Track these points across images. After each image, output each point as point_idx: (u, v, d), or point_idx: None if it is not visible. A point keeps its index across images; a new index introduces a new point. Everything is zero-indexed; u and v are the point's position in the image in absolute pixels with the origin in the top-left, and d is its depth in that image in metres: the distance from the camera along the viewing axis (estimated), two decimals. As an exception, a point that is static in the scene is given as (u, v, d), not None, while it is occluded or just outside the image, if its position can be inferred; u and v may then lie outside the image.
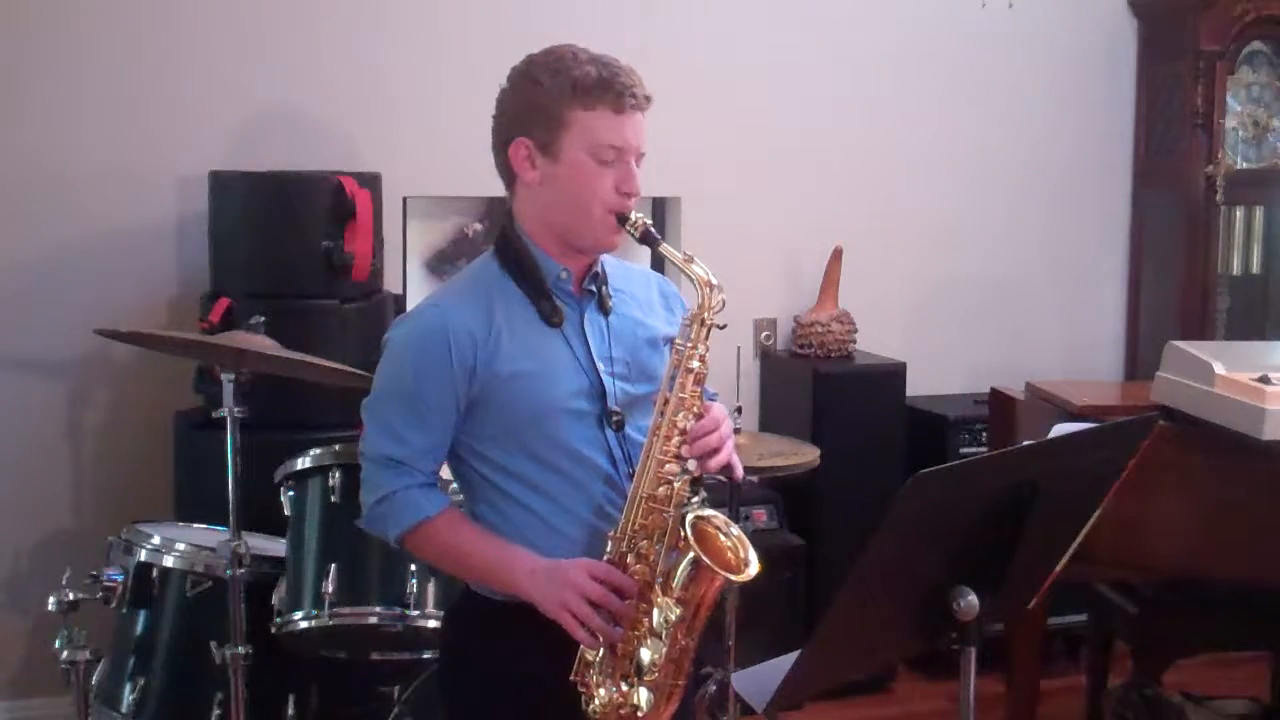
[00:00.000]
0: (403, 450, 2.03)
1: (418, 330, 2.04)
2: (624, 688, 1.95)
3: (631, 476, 2.02)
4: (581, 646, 1.96)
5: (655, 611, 1.95)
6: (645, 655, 1.95)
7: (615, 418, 2.05)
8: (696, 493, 2.01)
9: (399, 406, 2.03)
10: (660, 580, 1.96)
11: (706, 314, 2.01)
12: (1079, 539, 2.07)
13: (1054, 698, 3.79)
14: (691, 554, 1.93)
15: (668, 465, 1.98)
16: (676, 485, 1.98)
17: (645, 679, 1.95)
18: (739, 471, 2.09)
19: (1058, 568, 2.09)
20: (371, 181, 3.62)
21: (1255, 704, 3.63)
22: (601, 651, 1.96)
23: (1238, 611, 3.28)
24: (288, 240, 3.50)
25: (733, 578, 1.94)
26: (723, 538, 1.99)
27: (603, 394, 2.05)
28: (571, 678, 1.97)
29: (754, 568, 1.95)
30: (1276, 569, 2.99)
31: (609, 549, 1.98)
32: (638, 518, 1.97)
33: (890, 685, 4.15)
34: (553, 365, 2.04)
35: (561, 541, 2.02)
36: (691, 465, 1.99)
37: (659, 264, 3.21)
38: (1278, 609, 3.20)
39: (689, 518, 1.95)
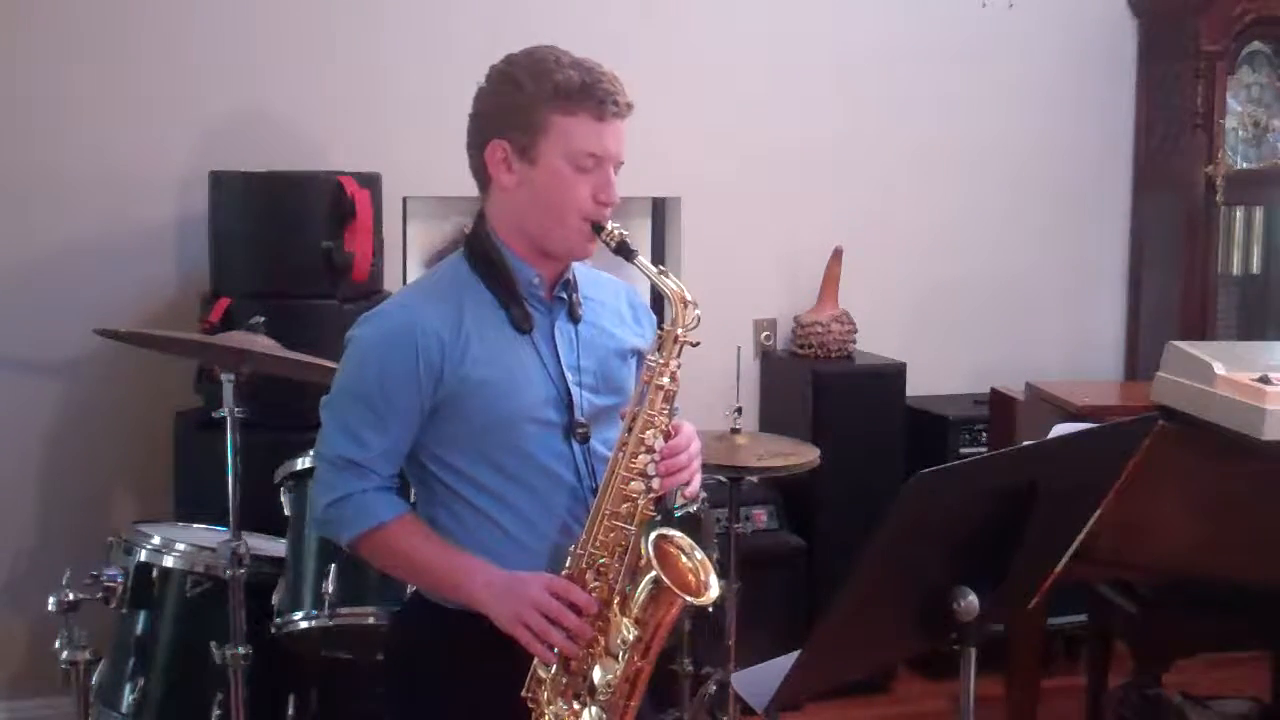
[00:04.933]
0: (361, 453, 1.99)
1: (384, 330, 1.99)
2: (575, 706, 1.92)
3: (595, 491, 1.98)
4: (534, 662, 1.92)
5: (612, 631, 1.91)
6: (599, 675, 1.90)
7: (580, 430, 2.01)
8: (661, 511, 1.96)
9: (360, 408, 1.98)
10: (619, 599, 1.92)
11: (680, 330, 1.96)
12: (1079, 539, 2.07)
13: (1054, 698, 3.78)
14: (652, 574, 1.89)
15: (632, 483, 1.94)
16: (640, 503, 1.93)
17: (597, 698, 1.91)
18: (693, 489, 2.04)
19: (1058, 568, 2.09)
20: (371, 181, 3.62)
21: (1255, 704, 3.63)
22: (554, 668, 1.91)
23: (1238, 611, 3.28)
24: (288, 240, 3.50)
25: (692, 600, 1.90)
26: (684, 559, 1.96)
27: (570, 404, 2.01)
28: (522, 694, 1.93)
29: (714, 591, 1.93)
30: (1276, 569, 2.99)
31: (569, 564, 1.94)
32: (599, 534, 1.93)
33: (890, 685, 4.15)
34: (520, 373, 1.99)
35: (522, 553, 1.98)
36: (656, 484, 1.94)
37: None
38: (1278, 609, 3.20)
39: (651, 537, 1.91)
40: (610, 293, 2.17)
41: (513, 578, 1.93)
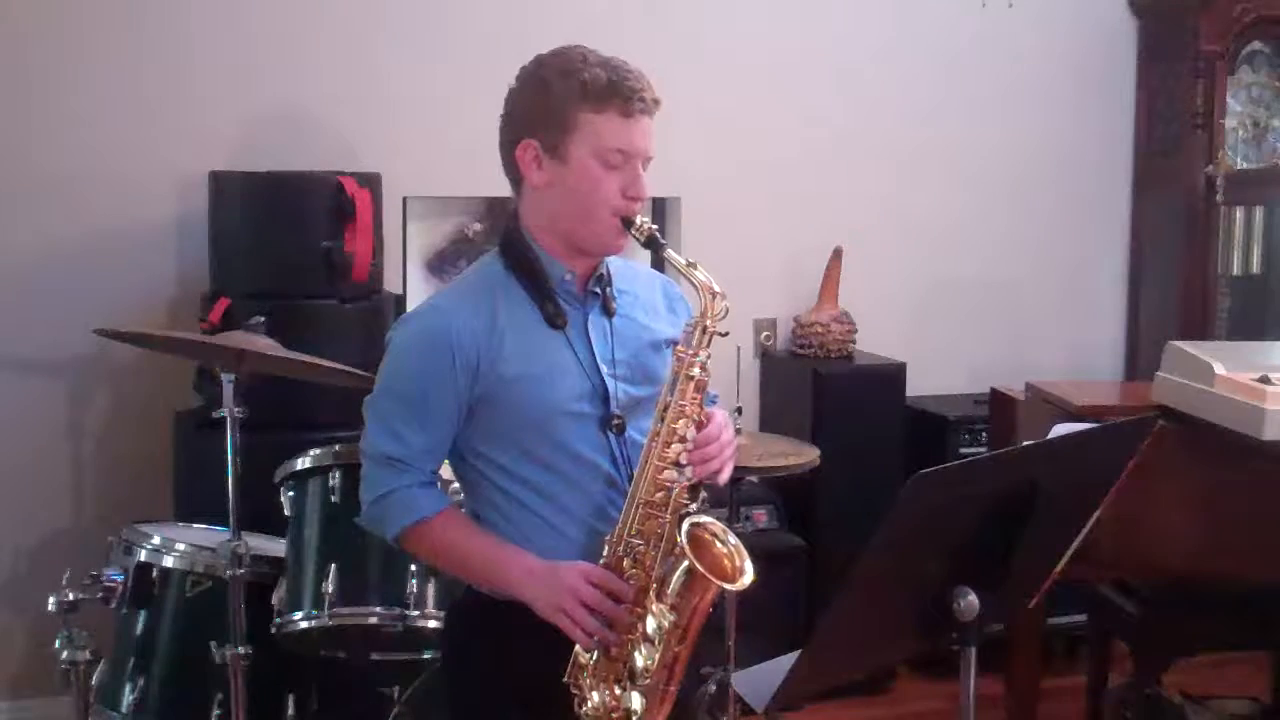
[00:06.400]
0: (402, 450, 2.04)
1: (420, 331, 2.05)
2: (617, 691, 1.96)
3: (632, 480, 2.01)
4: (575, 648, 1.96)
5: (649, 617, 1.94)
6: (639, 660, 1.95)
7: (616, 421, 2.05)
8: (695, 499, 2.00)
9: (400, 406, 2.04)
10: (655, 586, 1.96)
11: (709, 321, 2.01)
12: (1079, 539, 2.07)
13: (1054, 698, 3.78)
14: (687, 562, 1.93)
15: (666, 472, 1.98)
16: (674, 491, 1.97)
17: (638, 683, 1.95)
18: (723, 478, 2.08)
19: (1058, 568, 2.09)
20: (371, 181, 3.62)
21: (1255, 704, 3.63)
22: (595, 655, 1.96)
23: (1238, 611, 3.28)
24: (288, 240, 3.50)
25: (727, 586, 1.93)
26: (719, 545, 1.99)
27: (605, 397, 2.05)
28: (565, 680, 1.98)
29: (749, 577, 1.95)
30: (1276, 569, 2.99)
31: (605, 553, 1.99)
32: (634, 523, 1.98)
33: (890, 685, 4.15)
34: (555, 368, 2.03)
35: (563, 543, 2.03)
36: (689, 473, 1.98)
37: (661, 266, 3.20)
38: (1278, 609, 3.20)
39: (685, 525, 1.94)
40: (645, 285, 2.21)
41: (551, 567, 1.97)
